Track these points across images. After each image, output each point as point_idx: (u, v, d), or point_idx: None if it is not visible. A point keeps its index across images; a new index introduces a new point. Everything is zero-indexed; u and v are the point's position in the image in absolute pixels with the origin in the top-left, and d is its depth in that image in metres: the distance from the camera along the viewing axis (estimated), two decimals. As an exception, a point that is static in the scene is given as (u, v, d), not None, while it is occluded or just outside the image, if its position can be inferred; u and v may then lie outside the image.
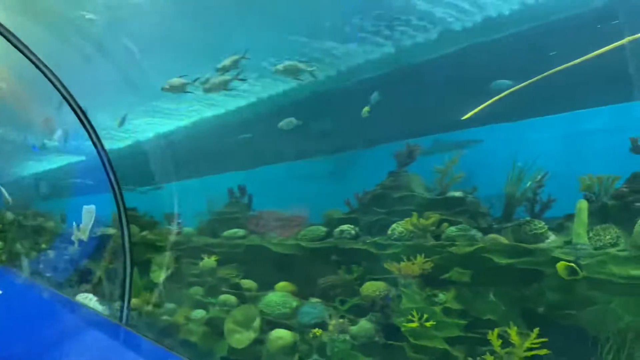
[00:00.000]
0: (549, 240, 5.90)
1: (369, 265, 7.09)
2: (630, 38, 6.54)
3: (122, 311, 7.84)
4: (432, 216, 6.56)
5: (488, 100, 9.77)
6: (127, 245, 3.60)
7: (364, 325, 6.44)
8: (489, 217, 6.65)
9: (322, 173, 12.25)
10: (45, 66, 6.48)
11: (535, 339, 5.16)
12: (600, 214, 5.55)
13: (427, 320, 5.94)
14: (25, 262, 13.18)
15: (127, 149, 17.51)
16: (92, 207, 9.39)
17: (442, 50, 12.01)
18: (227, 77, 9.73)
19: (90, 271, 10.17)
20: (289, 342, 6.80)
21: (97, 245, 9.97)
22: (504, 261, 5.89)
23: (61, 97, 9.34)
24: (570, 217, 6.02)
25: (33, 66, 8.48)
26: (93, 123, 15.82)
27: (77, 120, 7.90)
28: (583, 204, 5.49)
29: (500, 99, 9.06)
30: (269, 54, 13.15)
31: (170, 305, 8.17)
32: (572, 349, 5.21)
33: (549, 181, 6.51)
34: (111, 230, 9.69)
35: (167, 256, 8.38)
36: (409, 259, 6.40)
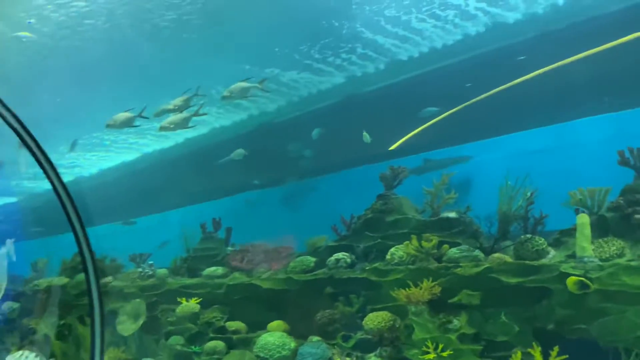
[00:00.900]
0: (550, 256, 6.01)
1: (370, 295, 6.80)
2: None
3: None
4: (432, 238, 6.46)
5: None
6: (95, 295, 2.98)
7: (375, 362, 6.11)
8: (487, 237, 6.68)
9: (293, 200, 11.90)
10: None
11: (556, 357, 5.18)
12: (598, 227, 5.76)
13: (443, 350, 5.75)
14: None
15: (69, 186, 15.81)
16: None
17: (390, 79, 12.43)
18: (186, 114, 9.12)
19: (31, 330, 8.83)
20: (294, 388, 6.28)
21: (38, 298, 8.70)
22: (512, 280, 5.90)
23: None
24: (564, 232, 6.22)
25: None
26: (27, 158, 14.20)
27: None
28: (584, 218, 5.66)
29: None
30: (218, 83, 12.77)
31: (145, 361, 7.28)
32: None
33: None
34: (62, 280, 8.51)
35: (138, 304, 7.47)
36: (415, 285, 6.22)
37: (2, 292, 7.21)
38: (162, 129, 9.28)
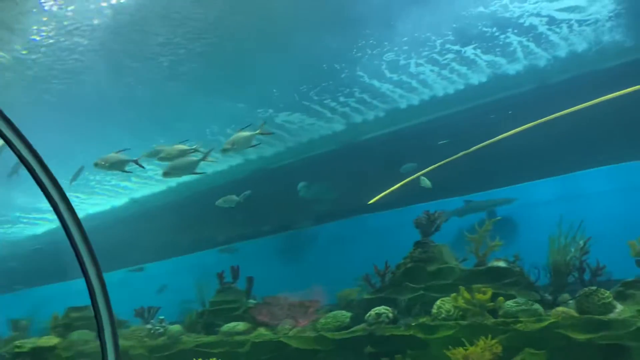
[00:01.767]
0: (617, 310, 5.55)
1: (416, 355, 6.11)
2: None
3: None
4: (487, 290, 5.92)
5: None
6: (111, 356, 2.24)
7: None
8: (541, 289, 6.18)
9: (305, 247, 11.22)
10: None
11: None
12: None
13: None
14: None
15: (48, 235, 14.57)
16: None
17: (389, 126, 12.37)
18: (193, 159, 8.48)
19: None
20: None
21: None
22: (581, 337, 5.36)
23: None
24: (628, 283, 5.80)
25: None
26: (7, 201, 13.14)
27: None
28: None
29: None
30: (214, 122, 12.37)
31: None
32: None
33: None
34: (51, 340, 7.40)
35: None
36: (470, 343, 5.60)
37: None
38: (166, 175, 8.57)
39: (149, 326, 7.07)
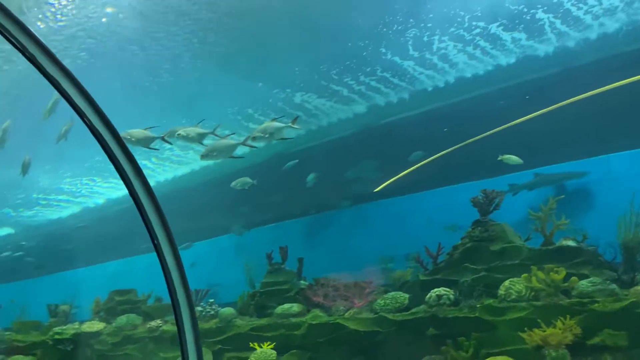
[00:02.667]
0: (699, 288, 5.34)
1: (483, 337, 5.90)
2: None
3: None
4: (560, 270, 5.68)
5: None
6: (191, 342, 1.93)
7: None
8: (614, 267, 5.95)
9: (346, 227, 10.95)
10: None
11: None
12: None
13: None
14: None
15: (80, 215, 14.21)
16: None
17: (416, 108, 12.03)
18: (231, 142, 8.13)
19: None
20: None
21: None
22: (665, 317, 5.17)
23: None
24: None
25: None
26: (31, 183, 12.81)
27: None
28: None
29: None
30: (235, 102, 11.99)
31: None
32: None
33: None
34: (95, 325, 7.14)
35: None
36: (546, 324, 5.39)
37: None
38: (203, 157, 8.23)
39: (199, 309, 6.85)
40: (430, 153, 10.82)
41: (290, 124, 8.01)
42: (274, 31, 9.80)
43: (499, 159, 7.64)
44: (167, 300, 7.50)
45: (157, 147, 8.42)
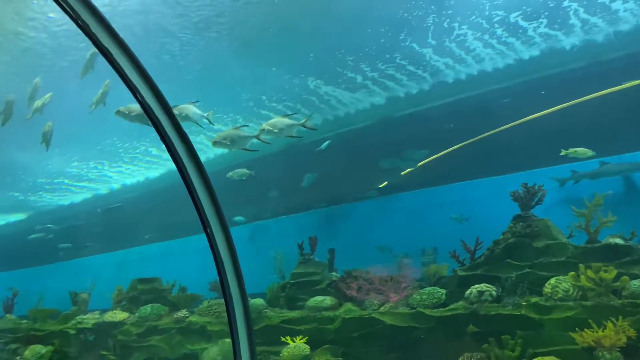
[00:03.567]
0: None
1: (528, 336, 5.69)
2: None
3: None
4: (610, 269, 5.46)
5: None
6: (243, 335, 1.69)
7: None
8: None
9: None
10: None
11: None
12: None
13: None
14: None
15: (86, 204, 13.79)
16: None
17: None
18: (245, 133, 7.77)
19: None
20: None
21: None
22: None
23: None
24: None
25: None
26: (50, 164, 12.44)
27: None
28: None
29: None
30: (249, 88, 11.67)
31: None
32: None
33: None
34: (118, 315, 6.87)
35: (228, 346, 6.04)
36: (597, 325, 5.17)
37: None
38: (215, 144, 7.88)
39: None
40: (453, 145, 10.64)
41: (302, 123, 7.69)
42: (291, 16, 9.50)
43: (562, 153, 7.37)
44: (191, 289, 7.26)
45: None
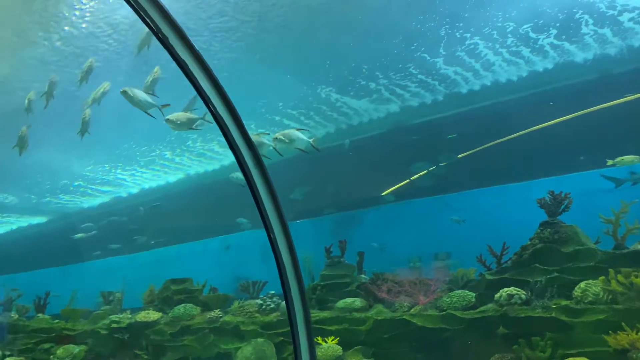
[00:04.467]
0: None
1: (557, 338, 5.81)
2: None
3: None
4: None
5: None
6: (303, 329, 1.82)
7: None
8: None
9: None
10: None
11: None
12: None
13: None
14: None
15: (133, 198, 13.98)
16: None
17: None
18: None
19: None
20: None
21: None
22: None
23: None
24: None
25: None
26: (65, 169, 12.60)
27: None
28: None
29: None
30: (265, 95, 11.87)
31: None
32: None
33: None
34: (151, 315, 6.99)
35: (261, 345, 6.16)
36: (632, 328, 5.29)
37: None
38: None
39: (259, 301, 6.72)
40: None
41: (310, 142, 7.84)
42: (309, 25, 9.73)
43: (609, 163, 7.55)
44: (221, 290, 7.39)
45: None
